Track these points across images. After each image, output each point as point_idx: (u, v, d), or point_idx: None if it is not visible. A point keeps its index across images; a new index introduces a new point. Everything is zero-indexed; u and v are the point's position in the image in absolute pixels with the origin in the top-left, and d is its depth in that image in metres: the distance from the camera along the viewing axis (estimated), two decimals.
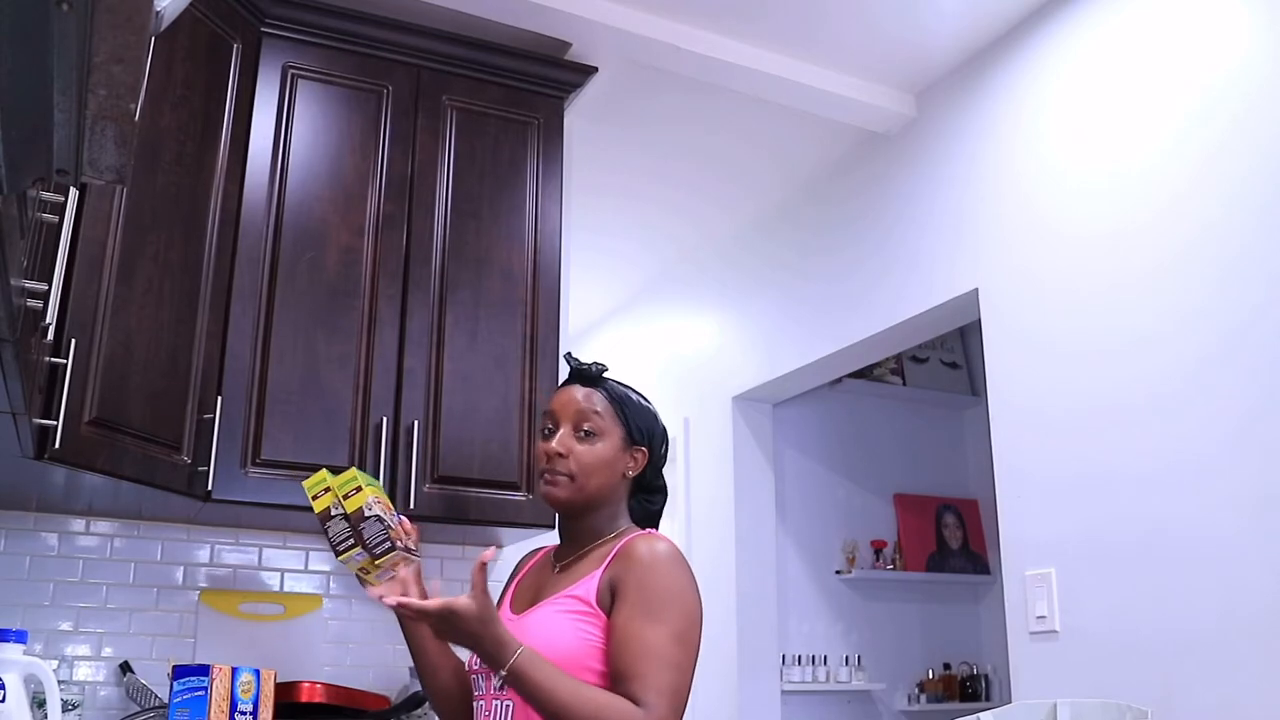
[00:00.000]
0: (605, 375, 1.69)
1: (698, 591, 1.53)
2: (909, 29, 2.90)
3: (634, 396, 1.69)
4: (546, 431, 1.64)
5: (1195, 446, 2.26)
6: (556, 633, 1.48)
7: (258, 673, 1.92)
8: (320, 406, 2.26)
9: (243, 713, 1.86)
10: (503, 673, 1.38)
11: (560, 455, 1.60)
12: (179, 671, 1.91)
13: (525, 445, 2.42)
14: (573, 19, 2.71)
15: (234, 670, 1.92)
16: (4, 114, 0.72)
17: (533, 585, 1.65)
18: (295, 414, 2.24)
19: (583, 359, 1.70)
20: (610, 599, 1.49)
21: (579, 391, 1.65)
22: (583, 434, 1.62)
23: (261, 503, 2.19)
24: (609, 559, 1.54)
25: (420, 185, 2.49)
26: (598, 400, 1.64)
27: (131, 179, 1.87)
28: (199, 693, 1.84)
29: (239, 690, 1.84)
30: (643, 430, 1.67)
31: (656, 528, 1.70)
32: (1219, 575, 2.17)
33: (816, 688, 4.09)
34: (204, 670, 1.88)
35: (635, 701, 1.39)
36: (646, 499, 1.70)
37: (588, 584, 1.53)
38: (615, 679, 1.43)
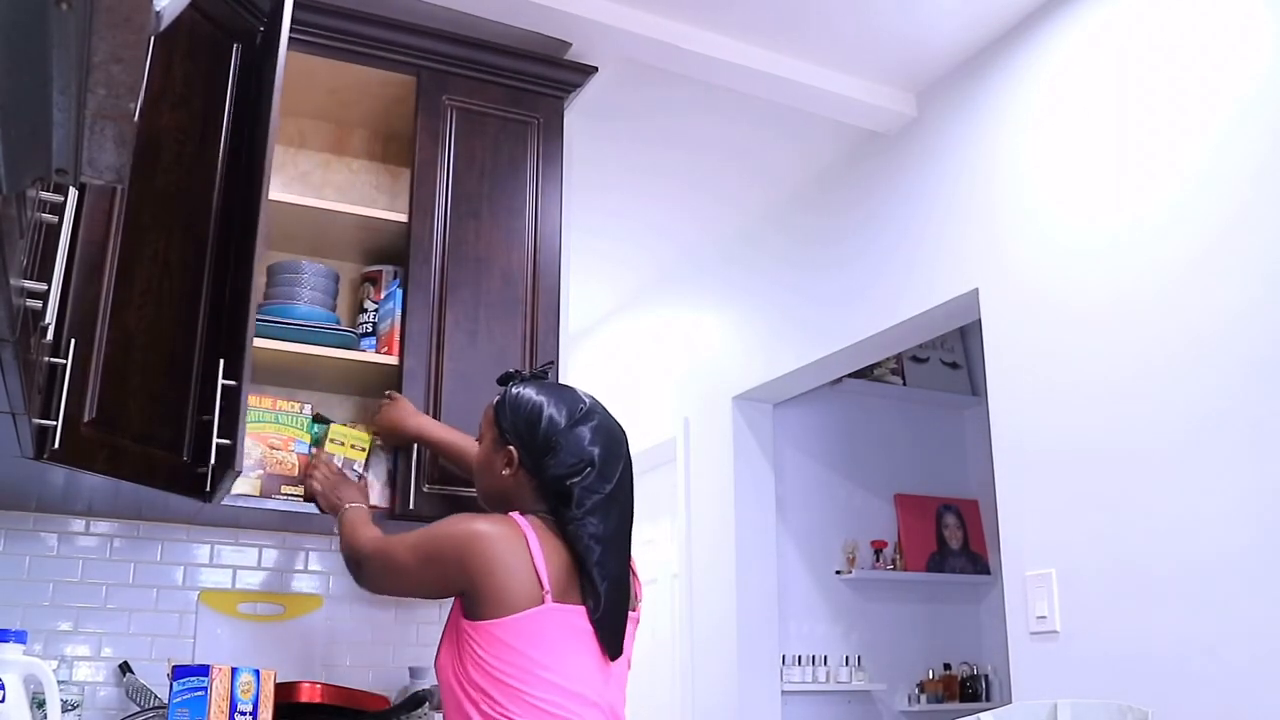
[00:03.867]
0: (510, 383, 1.81)
1: (454, 551, 1.64)
2: (909, 28, 2.90)
3: (513, 395, 1.77)
4: None
5: (1198, 444, 2.25)
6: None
7: (257, 673, 1.91)
8: None
9: (242, 713, 1.86)
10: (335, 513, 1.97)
11: None
12: (178, 672, 1.90)
13: None
14: (573, 19, 2.71)
15: (234, 670, 1.92)
16: (3, 113, 0.71)
17: None
18: None
19: (528, 368, 1.92)
20: None
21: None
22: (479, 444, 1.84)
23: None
24: None
25: (420, 184, 2.49)
26: (488, 410, 1.81)
27: (131, 179, 1.86)
28: (199, 693, 1.84)
29: (239, 690, 1.84)
30: (510, 428, 1.75)
31: (583, 539, 1.67)
32: (1219, 575, 2.17)
33: (816, 688, 4.09)
34: (204, 670, 1.88)
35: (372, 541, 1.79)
36: (555, 493, 1.70)
37: None
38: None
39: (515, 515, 1.69)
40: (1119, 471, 2.42)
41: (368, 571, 1.79)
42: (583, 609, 1.66)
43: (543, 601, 1.62)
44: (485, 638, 1.61)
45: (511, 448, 1.73)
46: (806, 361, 3.58)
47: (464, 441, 2.12)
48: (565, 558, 1.67)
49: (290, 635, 2.43)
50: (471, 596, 1.64)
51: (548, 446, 1.71)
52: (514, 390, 1.78)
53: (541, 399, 1.75)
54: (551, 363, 1.95)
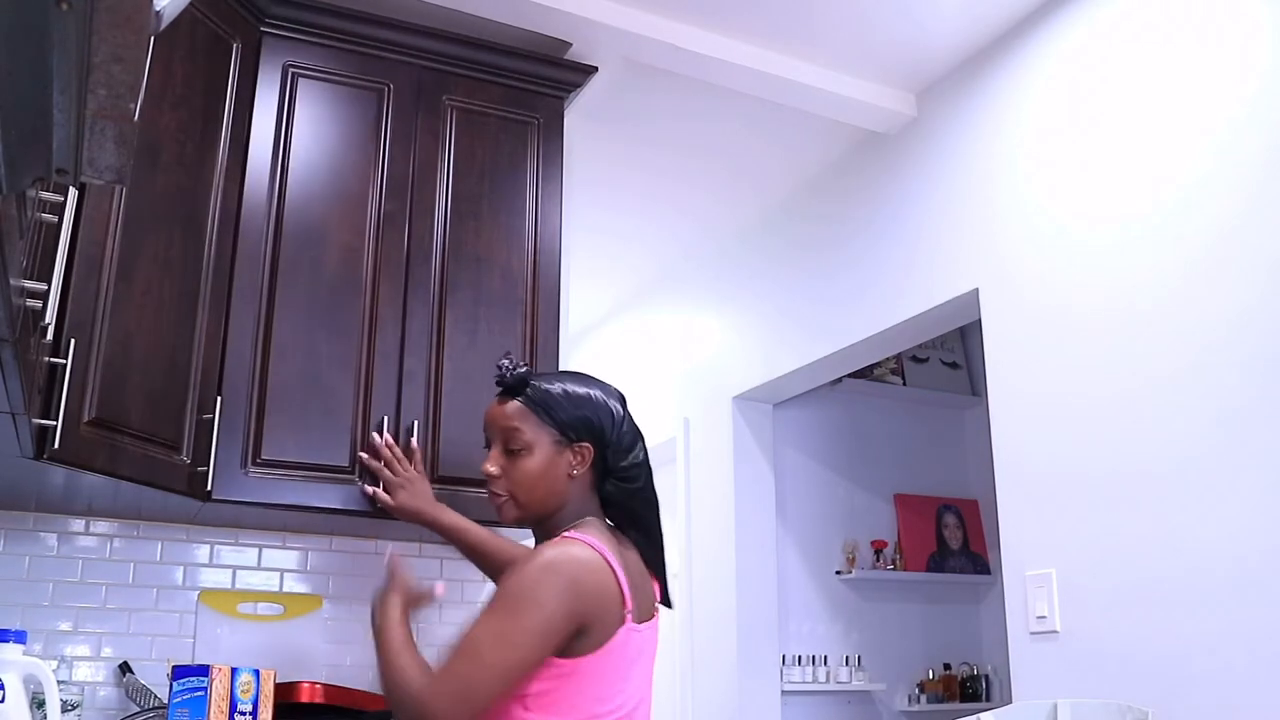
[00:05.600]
0: (528, 377, 1.62)
1: (567, 600, 1.45)
2: (909, 29, 2.90)
3: (560, 392, 1.60)
4: (487, 449, 1.66)
5: (1197, 444, 2.25)
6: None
7: (257, 673, 1.91)
8: (320, 406, 2.26)
9: (242, 713, 1.86)
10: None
11: (494, 476, 1.62)
12: (178, 672, 1.91)
13: None
14: (573, 19, 2.71)
15: (233, 670, 1.92)
16: (3, 113, 0.71)
17: None
18: (295, 414, 2.24)
19: (509, 362, 1.64)
20: None
21: (499, 407, 1.63)
22: (511, 451, 1.60)
23: (261, 503, 2.19)
24: None
25: (420, 185, 2.49)
26: (517, 412, 1.60)
27: (131, 179, 1.87)
28: (198, 693, 1.84)
29: (238, 690, 1.84)
30: (577, 424, 1.59)
31: (642, 504, 1.63)
32: (1220, 575, 2.17)
33: (816, 688, 4.09)
34: (203, 670, 1.88)
35: (431, 677, 1.45)
36: (619, 479, 1.61)
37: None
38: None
39: (574, 535, 1.54)
40: (1119, 471, 2.42)
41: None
42: (653, 623, 1.63)
43: (624, 622, 1.53)
44: (569, 671, 1.47)
45: (585, 444, 1.59)
46: (806, 361, 3.58)
47: (481, 532, 2.07)
48: (633, 560, 1.61)
49: (290, 635, 2.43)
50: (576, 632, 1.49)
51: (618, 434, 1.60)
52: (552, 386, 1.62)
53: (586, 388, 1.63)
54: (509, 353, 1.80)
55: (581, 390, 1.62)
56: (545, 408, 1.60)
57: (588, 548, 1.51)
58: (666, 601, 1.69)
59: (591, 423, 1.59)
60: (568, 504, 1.60)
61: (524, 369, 1.64)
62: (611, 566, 1.52)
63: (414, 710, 1.42)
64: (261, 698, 1.84)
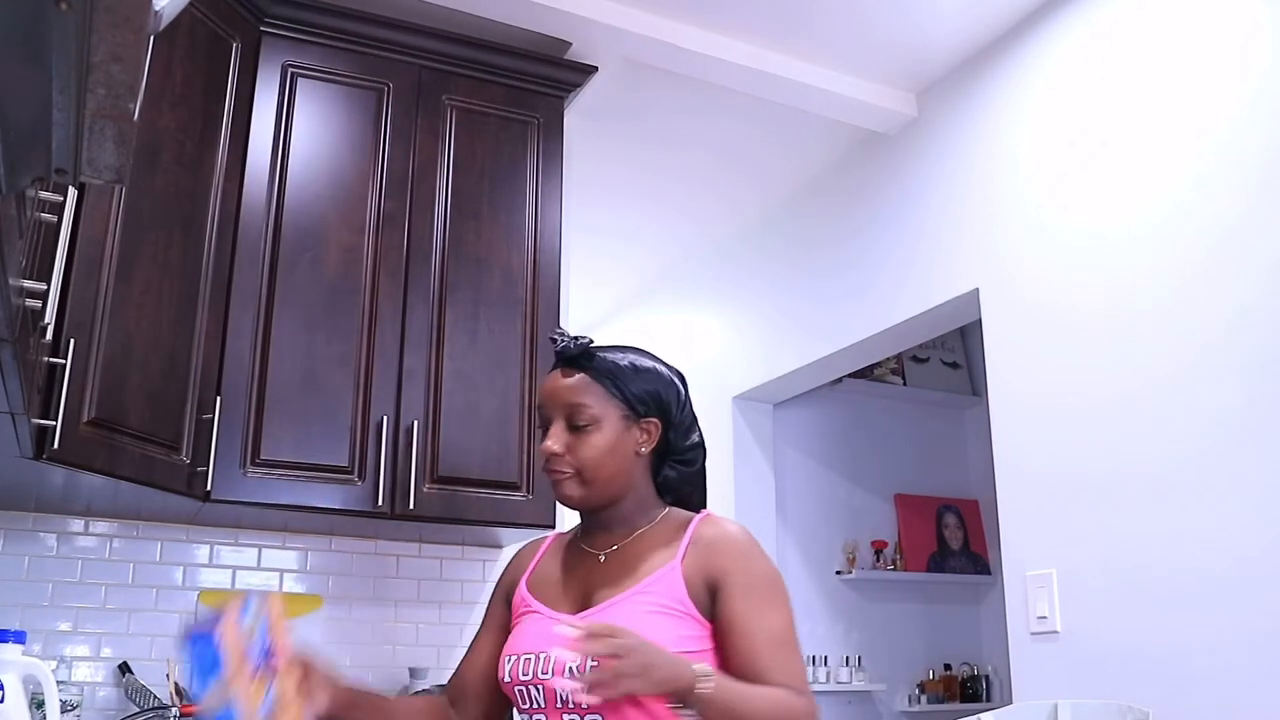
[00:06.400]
0: (592, 348, 1.49)
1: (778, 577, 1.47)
2: (909, 28, 2.90)
3: (627, 363, 1.49)
4: (543, 428, 1.49)
5: (1197, 445, 2.25)
6: (654, 633, 1.29)
7: (253, 600, 1.69)
8: (320, 406, 2.26)
9: (260, 652, 1.65)
10: (692, 696, 1.23)
11: (557, 454, 1.45)
12: (193, 638, 1.71)
13: (525, 445, 2.42)
14: (572, 18, 2.71)
15: (240, 610, 1.70)
16: (2, 113, 0.71)
17: (576, 580, 1.47)
18: (295, 414, 2.23)
19: (565, 335, 1.50)
20: (707, 595, 1.37)
21: (563, 379, 1.48)
22: (576, 426, 1.45)
23: (261, 503, 2.19)
24: (683, 550, 1.40)
25: (420, 184, 2.49)
26: (583, 384, 1.46)
27: (130, 178, 1.87)
28: (211, 653, 1.67)
29: (248, 632, 1.67)
30: (645, 398, 1.48)
31: (698, 489, 1.55)
32: (1220, 575, 2.17)
33: (817, 688, 4.09)
34: (208, 635, 1.68)
35: (793, 690, 1.35)
36: (679, 462, 1.52)
37: (668, 579, 1.38)
38: (748, 673, 1.33)
39: (721, 515, 1.51)
40: (1120, 471, 2.41)
41: None
42: None
43: None
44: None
45: (654, 420, 1.48)
46: (806, 361, 3.58)
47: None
48: None
49: (290, 635, 2.43)
50: None
51: (682, 413, 1.51)
52: (618, 358, 1.50)
53: (653, 362, 1.53)
54: (559, 329, 1.67)
55: (648, 364, 1.51)
56: (613, 379, 1.47)
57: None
58: None
59: (660, 397, 1.49)
60: (637, 484, 1.48)
61: (586, 339, 1.50)
62: None
63: None
64: (270, 625, 1.64)
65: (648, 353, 1.55)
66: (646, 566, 1.40)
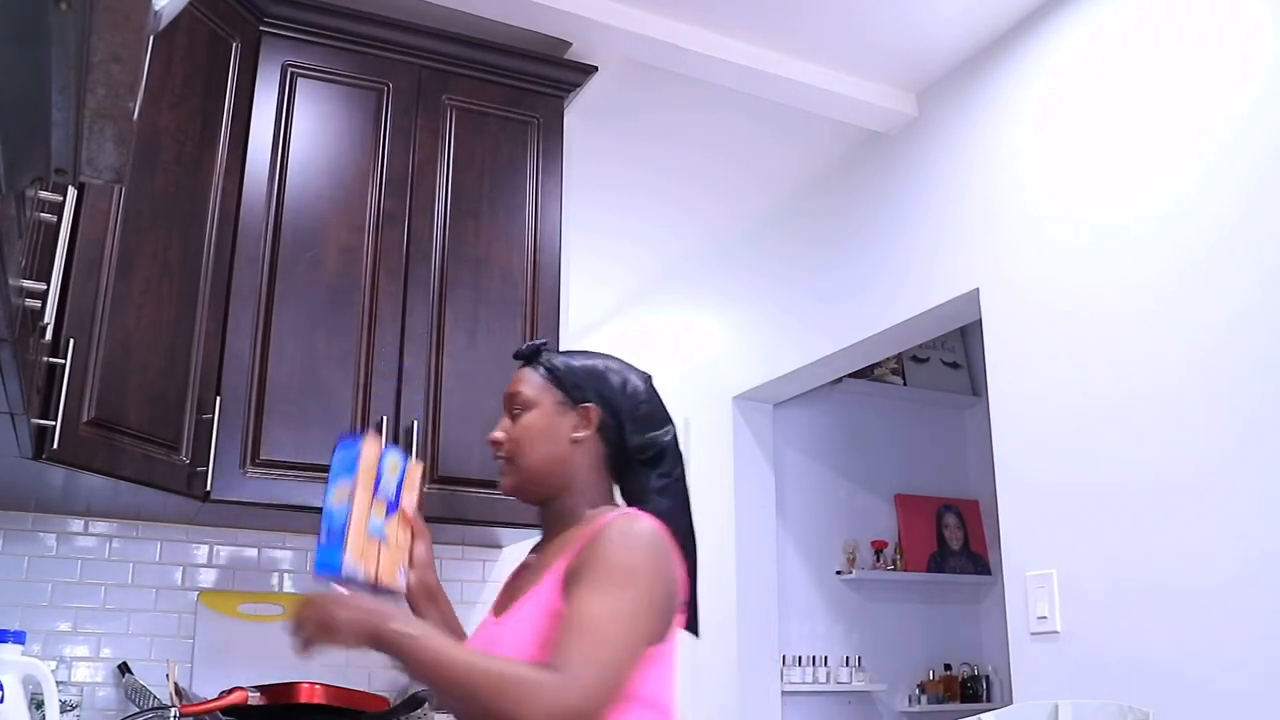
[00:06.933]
0: (541, 347, 1.53)
1: (668, 578, 1.32)
2: (909, 28, 2.90)
3: (574, 361, 1.51)
4: None
5: (1198, 445, 2.25)
6: (522, 642, 1.30)
7: (406, 458, 1.66)
8: (320, 406, 2.26)
9: (385, 491, 1.61)
10: (384, 645, 1.24)
11: (498, 441, 1.48)
12: (342, 441, 1.66)
13: None
14: (572, 18, 2.71)
15: (386, 447, 1.66)
16: (2, 113, 0.71)
17: (511, 586, 1.50)
18: (295, 414, 2.23)
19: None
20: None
21: (515, 377, 1.53)
22: (514, 414, 1.48)
23: (260, 503, 2.19)
24: (580, 546, 1.34)
25: (420, 184, 2.48)
26: (526, 377, 1.50)
27: (130, 178, 1.87)
28: (351, 460, 1.60)
29: (386, 468, 1.61)
30: (581, 383, 1.47)
31: (676, 501, 1.47)
32: (1220, 575, 2.16)
33: (817, 688, 4.09)
34: (356, 446, 1.63)
35: (554, 670, 1.20)
36: (647, 467, 1.47)
37: (552, 579, 1.34)
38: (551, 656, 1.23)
39: (633, 510, 1.43)
40: (1120, 471, 2.41)
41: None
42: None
43: (681, 610, 1.39)
44: (652, 658, 1.31)
45: (590, 405, 1.46)
46: (807, 361, 3.58)
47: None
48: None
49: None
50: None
51: (633, 405, 1.48)
52: (566, 355, 1.52)
53: (603, 360, 1.52)
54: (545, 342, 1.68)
55: (595, 361, 1.51)
56: (550, 369, 1.49)
57: (655, 520, 1.37)
58: (693, 628, 1.47)
59: (600, 385, 1.47)
60: (575, 478, 1.45)
61: (541, 342, 1.55)
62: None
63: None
64: (406, 484, 1.62)
65: (609, 356, 1.54)
66: (550, 571, 1.37)
